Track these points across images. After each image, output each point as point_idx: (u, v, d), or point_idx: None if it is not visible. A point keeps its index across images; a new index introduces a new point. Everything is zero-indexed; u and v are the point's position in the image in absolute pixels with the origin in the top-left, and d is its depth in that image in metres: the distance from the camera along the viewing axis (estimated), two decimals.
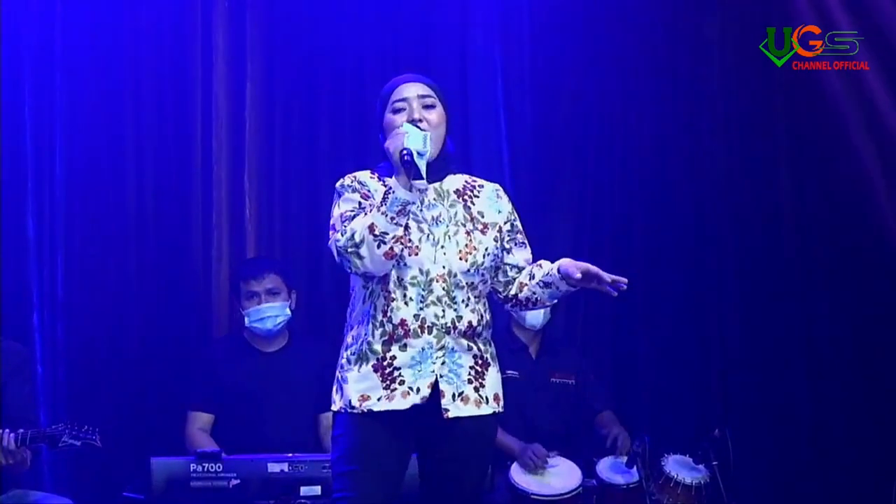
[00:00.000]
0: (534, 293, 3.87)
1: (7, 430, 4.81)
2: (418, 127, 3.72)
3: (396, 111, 3.82)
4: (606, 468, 5.52)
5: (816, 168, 6.41)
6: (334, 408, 3.79)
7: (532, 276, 3.87)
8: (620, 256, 6.49)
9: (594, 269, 3.77)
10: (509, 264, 3.90)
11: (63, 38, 5.89)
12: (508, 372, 5.74)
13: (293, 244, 6.19)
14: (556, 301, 3.95)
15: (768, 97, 6.46)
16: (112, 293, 5.92)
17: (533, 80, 6.52)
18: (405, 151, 3.61)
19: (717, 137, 6.50)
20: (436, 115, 3.81)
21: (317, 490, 4.76)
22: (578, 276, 3.74)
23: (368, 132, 6.12)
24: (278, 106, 6.23)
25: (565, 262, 3.81)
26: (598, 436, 5.83)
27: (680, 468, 5.44)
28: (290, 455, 4.95)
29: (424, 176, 3.63)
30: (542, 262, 3.92)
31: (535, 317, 5.77)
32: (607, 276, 3.78)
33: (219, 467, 4.91)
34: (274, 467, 4.92)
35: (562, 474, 5.46)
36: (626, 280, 3.79)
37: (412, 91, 3.82)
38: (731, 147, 6.51)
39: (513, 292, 3.90)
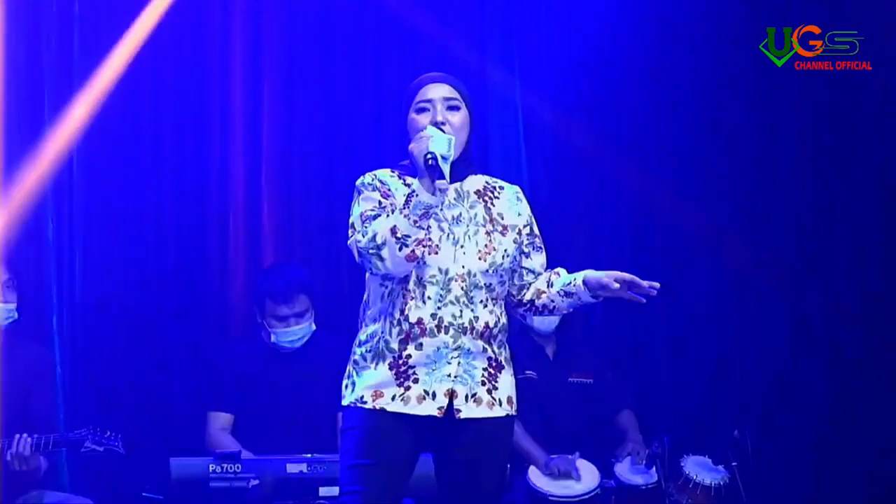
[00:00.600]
0: (552, 301, 3.86)
1: (24, 436, 4.82)
2: (441, 130, 3.71)
3: (420, 111, 3.79)
4: (625, 469, 5.51)
5: (843, 167, 6.40)
6: (345, 402, 3.77)
7: (550, 284, 3.86)
8: (638, 257, 6.48)
9: (629, 276, 3.77)
10: (526, 268, 3.88)
11: (81, 40, 5.91)
12: (527, 372, 5.76)
13: (310, 245, 6.19)
14: (571, 310, 3.93)
15: (782, 98, 6.46)
16: (131, 295, 5.94)
17: (551, 82, 6.52)
18: (429, 155, 3.59)
19: (734, 137, 6.49)
20: (459, 118, 3.79)
21: (335, 491, 4.71)
22: (616, 286, 3.74)
23: (386, 135, 6.17)
24: (296, 109, 6.23)
25: (592, 274, 3.80)
26: (616, 437, 5.82)
27: (699, 469, 5.43)
28: (309, 455, 4.95)
29: (448, 178, 3.62)
30: (559, 269, 3.90)
31: (543, 322, 5.77)
32: (644, 283, 3.77)
33: (238, 468, 4.91)
34: (293, 468, 4.92)
35: (580, 475, 5.45)
36: (658, 284, 3.78)
37: (437, 92, 3.79)
38: (750, 146, 6.50)
39: (528, 297, 3.88)
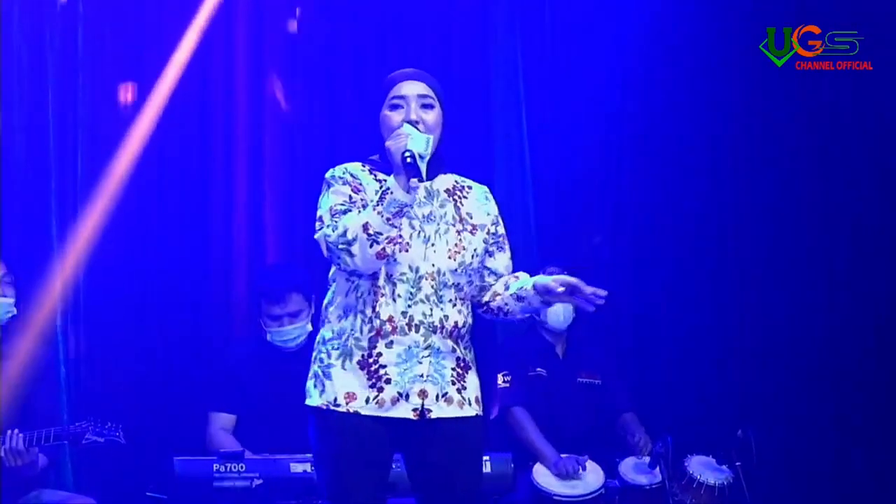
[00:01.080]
0: (506, 304, 3.83)
1: (15, 431, 4.82)
2: (416, 128, 3.67)
3: (394, 108, 3.75)
4: (629, 468, 5.51)
5: (845, 169, 6.40)
6: (313, 402, 3.71)
7: (506, 287, 3.84)
8: (641, 257, 6.50)
9: (574, 280, 3.72)
10: (488, 268, 3.85)
11: (85, 40, 5.91)
12: (538, 370, 5.76)
13: (314, 245, 6.18)
14: (528, 315, 3.89)
15: (786, 98, 6.46)
16: (134, 295, 5.95)
17: (554, 80, 6.53)
18: (408, 153, 3.57)
19: (738, 138, 6.49)
20: (433, 116, 3.75)
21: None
22: (561, 289, 3.70)
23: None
24: (299, 109, 6.24)
25: (541, 279, 3.77)
26: (620, 438, 5.82)
27: (703, 469, 5.42)
28: (312, 455, 4.94)
29: (425, 178, 3.59)
30: (519, 273, 3.88)
31: (556, 319, 5.77)
32: (587, 289, 3.72)
33: (241, 467, 4.92)
34: (296, 467, 4.93)
35: (585, 475, 5.44)
36: (604, 292, 3.72)
37: (412, 90, 3.76)
38: (752, 147, 6.49)
39: (486, 299, 3.86)
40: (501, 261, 3.88)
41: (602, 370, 5.92)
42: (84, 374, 5.85)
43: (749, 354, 6.43)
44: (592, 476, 5.44)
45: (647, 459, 5.46)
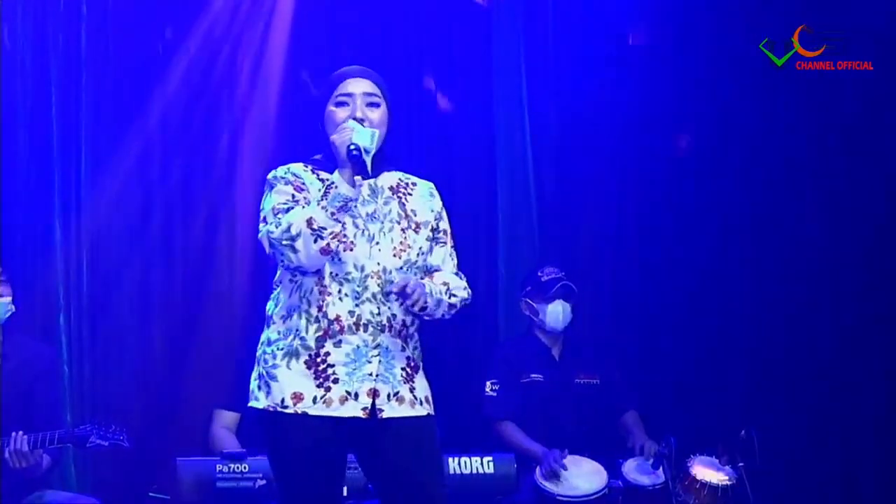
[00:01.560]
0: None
1: (20, 433, 4.82)
2: (361, 125, 3.65)
3: (339, 105, 3.74)
4: (632, 469, 5.50)
5: (850, 169, 6.40)
6: (258, 405, 3.68)
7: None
8: (645, 257, 6.50)
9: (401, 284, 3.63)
10: (429, 264, 3.83)
11: (88, 40, 5.92)
12: (532, 375, 5.75)
13: None
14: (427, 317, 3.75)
15: (789, 98, 6.46)
16: (137, 294, 5.95)
17: (557, 82, 6.53)
18: (353, 147, 3.56)
19: (742, 138, 6.49)
20: (378, 114, 3.74)
21: (343, 490, 4.73)
22: (395, 290, 3.62)
23: (397, 135, 6.17)
24: (303, 111, 6.24)
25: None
26: (623, 437, 5.81)
27: (706, 469, 5.40)
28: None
29: (370, 172, 3.58)
30: (435, 273, 3.82)
31: (555, 320, 5.77)
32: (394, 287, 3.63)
33: (244, 468, 4.91)
34: None
35: (588, 475, 5.43)
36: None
37: (358, 87, 3.75)
38: (756, 148, 6.49)
39: None
40: (437, 255, 3.84)
41: (601, 370, 5.91)
42: (87, 373, 5.84)
43: (753, 354, 6.42)
44: (595, 476, 5.44)
45: (650, 460, 5.45)
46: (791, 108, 6.46)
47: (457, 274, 3.88)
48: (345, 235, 3.61)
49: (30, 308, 5.61)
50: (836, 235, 6.39)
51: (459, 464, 5.14)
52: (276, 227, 3.56)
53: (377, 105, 3.75)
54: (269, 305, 3.75)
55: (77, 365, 5.81)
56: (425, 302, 3.62)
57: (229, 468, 4.90)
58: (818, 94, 6.36)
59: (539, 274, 5.81)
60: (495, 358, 5.86)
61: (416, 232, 3.76)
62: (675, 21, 6.56)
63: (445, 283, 3.77)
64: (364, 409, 3.62)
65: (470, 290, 3.85)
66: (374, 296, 3.65)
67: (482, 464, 5.16)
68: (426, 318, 3.74)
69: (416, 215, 3.79)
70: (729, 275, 6.49)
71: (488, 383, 5.73)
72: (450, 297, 3.76)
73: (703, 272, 6.49)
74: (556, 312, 5.75)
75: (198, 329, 6.00)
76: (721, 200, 6.52)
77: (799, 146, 6.45)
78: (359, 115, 3.69)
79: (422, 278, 3.76)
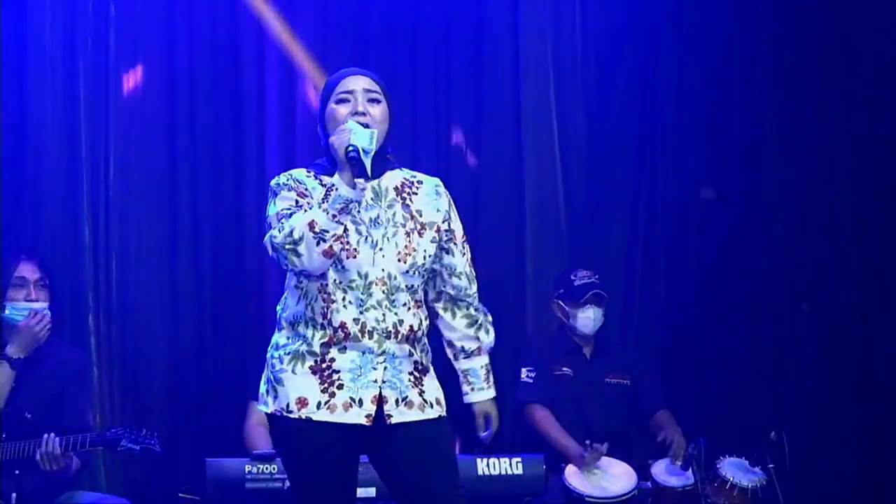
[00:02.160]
0: (452, 356, 3.93)
1: (52, 435, 4.84)
2: (362, 124, 3.64)
3: (340, 102, 3.72)
4: (661, 470, 5.49)
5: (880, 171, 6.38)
6: (267, 409, 3.69)
7: (460, 350, 3.92)
8: (674, 256, 6.49)
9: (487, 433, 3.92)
10: (446, 265, 3.82)
11: (117, 43, 5.93)
12: (564, 369, 5.74)
13: None
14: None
15: (822, 92, 6.44)
16: (167, 295, 5.96)
17: (585, 78, 6.52)
18: (351, 148, 3.53)
19: (772, 134, 6.47)
20: (380, 111, 3.72)
21: (371, 492, 4.74)
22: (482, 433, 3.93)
23: (419, 133, 6.18)
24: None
25: (480, 406, 3.94)
26: (654, 437, 5.79)
27: (736, 471, 5.39)
28: None
29: (369, 174, 3.56)
30: (470, 346, 3.92)
31: (586, 325, 5.76)
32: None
33: (273, 469, 4.92)
34: None
35: (617, 476, 5.43)
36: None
37: (358, 84, 3.73)
38: (787, 146, 6.47)
39: (440, 313, 3.88)
40: (454, 258, 3.84)
41: (631, 371, 5.90)
42: (116, 374, 5.86)
43: (782, 355, 6.40)
44: (625, 477, 5.43)
45: (679, 462, 5.43)
46: (821, 101, 6.45)
47: (469, 274, 3.87)
48: (348, 242, 3.60)
49: (59, 310, 5.62)
50: (866, 235, 6.37)
51: (488, 465, 5.13)
52: (279, 232, 3.55)
53: (378, 101, 3.73)
54: (279, 308, 3.78)
55: (106, 366, 5.82)
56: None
57: (258, 469, 4.91)
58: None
59: (572, 277, 5.79)
60: (531, 347, 5.90)
61: (421, 235, 3.73)
62: (705, 20, 6.54)
63: (487, 369, 3.95)
64: (368, 416, 3.61)
65: (489, 317, 3.95)
66: (378, 303, 3.63)
67: (511, 465, 5.15)
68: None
69: (421, 216, 3.76)
70: (760, 275, 6.47)
71: (524, 370, 5.74)
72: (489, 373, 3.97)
73: (733, 272, 6.47)
74: (588, 318, 5.75)
75: (227, 329, 6.00)
76: (752, 200, 6.50)
77: (832, 144, 6.43)
78: (360, 109, 3.68)
79: (427, 279, 3.77)
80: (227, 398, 5.83)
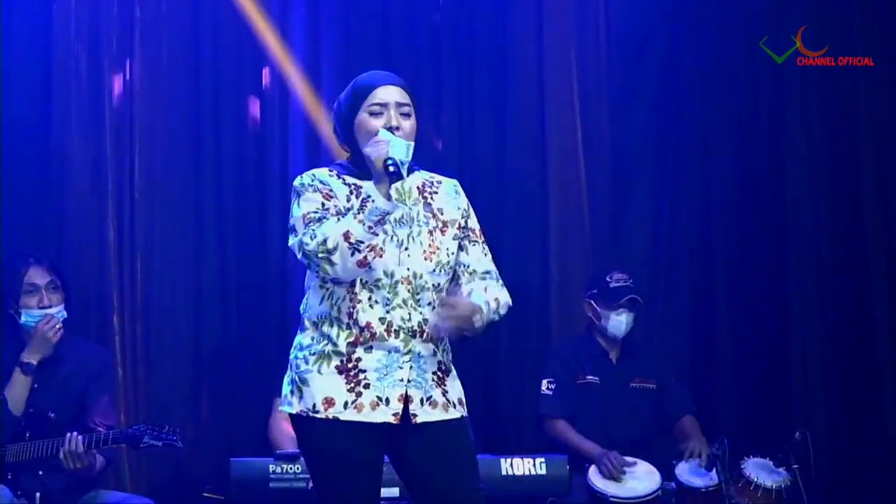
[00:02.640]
0: None
1: (75, 434, 4.86)
2: (394, 134, 3.63)
3: (373, 114, 3.70)
4: (685, 471, 5.47)
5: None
6: (292, 410, 3.68)
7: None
8: (698, 258, 6.47)
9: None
10: (462, 263, 3.80)
11: (141, 44, 5.95)
12: (588, 377, 5.73)
13: None
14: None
15: (851, 93, 6.42)
16: (191, 294, 5.97)
17: (609, 80, 6.51)
18: (390, 161, 3.54)
19: (799, 135, 6.45)
20: (410, 125, 3.72)
21: (395, 492, 4.74)
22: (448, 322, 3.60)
23: (441, 142, 6.18)
24: None
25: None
26: (678, 443, 5.78)
27: (760, 471, 5.37)
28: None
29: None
30: (485, 287, 3.76)
31: (618, 329, 5.75)
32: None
33: (297, 469, 4.94)
34: None
35: (641, 477, 5.42)
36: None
37: (392, 96, 3.71)
38: (812, 148, 6.45)
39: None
40: (472, 254, 3.82)
41: (657, 374, 5.89)
42: (141, 374, 5.87)
43: (808, 356, 6.37)
44: (648, 477, 5.42)
45: (703, 462, 5.42)
46: (850, 102, 6.43)
47: (492, 274, 3.85)
48: (375, 250, 3.59)
49: (84, 310, 5.65)
50: (894, 236, 6.35)
51: (512, 465, 5.13)
52: (311, 240, 3.54)
53: (409, 115, 3.73)
54: (301, 308, 3.77)
55: (131, 366, 5.84)
56: (479, 327, 3.62)
57: (283, 469, 4.93)
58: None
59: (608, 279, 5.77)
60: (552, 357, 5.86)
61: (443, 233, 3.74)
62: (729, 22, 6.53)
63: (496, 300, 3.75)
64: (395, 414, 3.61)
65: (509, 297, 3.81)
66: (404, 301, 3.64)
67: (535, 465, 5.15)
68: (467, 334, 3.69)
69: (442, 214, 3.78)
70: (784, 276, 6.45)
71: (544, 381, 5.73)
72: (497, 315, 3.76)
73: (758, 273, 6.46)
74: (620, 322, 5.73)
75: (251, 328, 6.01)
76: (776, 200, 6.48)
77: (860, 146, 6.41)
78: (394, 124, 3.66)
79: (456, 281, 3.76)
80: (251, 397, 5.84)
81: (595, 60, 6.49)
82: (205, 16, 6.08)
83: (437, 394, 3.68)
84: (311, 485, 4.68)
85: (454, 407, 3.72)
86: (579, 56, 6.45)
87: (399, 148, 3.57)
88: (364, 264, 3.54)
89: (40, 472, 4.96)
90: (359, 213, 3.53)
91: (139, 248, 5.92)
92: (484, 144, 6.38)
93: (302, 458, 4.89)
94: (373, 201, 3.53)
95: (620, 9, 6.54)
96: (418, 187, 3.79)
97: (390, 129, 3.65)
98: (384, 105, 3.70)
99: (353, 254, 3.51)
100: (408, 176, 3.63)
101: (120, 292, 5.87)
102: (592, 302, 5.81)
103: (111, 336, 5.80)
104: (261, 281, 6.04)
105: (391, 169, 3.53)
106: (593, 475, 5.44)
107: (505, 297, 3.81)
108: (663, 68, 6.55)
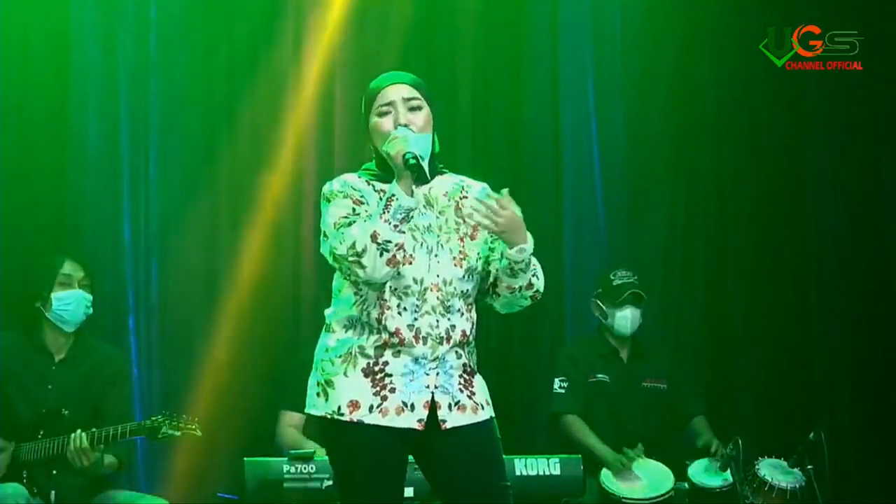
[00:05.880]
0: (501, 280, 3.68)
1: (78, 431, 4.87)
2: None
3: (382, 115, 3.68)
4: (699, 471, 5.47)
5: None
6: (316, 412, 3.66)
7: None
8: (714, 258, 6.46)
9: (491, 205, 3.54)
10: (494, 261, 3.74)
11: (158, 41, 5.97)
12: (598, 376, 5.74)
13: None
14: (513, 274, 3.63)
15: (867, 88, 6.41)
16: (206, 296, 5.98)
17: (625, 83, 6.51)
18: (409, 155, 3.52)
19: (817, 133, 6.44)
20: (422, 118, 3.68)
21: (410, 491, 4.73)
22: (496, 226, 3.55)
23: (455, 142, 6.18)
24: None
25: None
26: (691, 440, 5.78)
27: (774, 471, 5.37)
28: None
29: (429, 178, 3.55)
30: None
31: (624, 325, 5.76)
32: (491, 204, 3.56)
33: (311, 468, 4.93)
34: None
35: (654, 477, 5.42)
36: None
37: (397, 94, 3.68)
38: (831, 149, 6.45)
39: (488, 286, 3.71)
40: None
41: (668, 374, 5.88)
42: (156, 375, 5.89)
43: (823, 356, 6.37)
44: (661, 478, 5.42)
45: (717, 462, 5.42)
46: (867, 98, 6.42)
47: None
48: (403, 250, 3.57)
49: (99, 310, 5.66)
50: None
51: (525, 465, 5.12)
52: (341, 244, 3.53)
53: (419, 108, 3.69)
54: (328, 312, 3.74)
55: (146, 366, 5.86)
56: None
57: (297, 469, 4.92)
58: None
59: (611, 277, 5.79)
60: (563, 357, 5.87)
61: (473, 238, 3.72)
62: (744, 21, 6.52)
63: (536, 265, 3.70)
64: (420, 420, 3.60)
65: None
66: (433, 308, 3.61)
67: (548, 465, 5.14)
68: (508, 279, 3.63)
69: (472, 218, 3.71)
70: (798, 276, 6.44)
71: (556, 380, 5.75)
72: (534, 277, 3.69)
73: (772, 274, 6.45)
74: (626, 318, 5.74)
75: (266, 329, 6.02)
76: (794, 201, 6.47)
77: (880, 143, 6.40)
78: (402, 121, 3.64)
79: (482, 282, 3.71)
80: (266, 398, 5.84)
81: (610, 59, 6.50)
82: (220, 14, 6.09)
83: (463, 398, 3.66)
84: (325, 484, 4.76)
85: (482, 408, 3.70)
86: (595, 54, 6.48)
87: (416, 142, 3.56)
88: (395, 263, 3.53)
89: (54, 472, 4.97)
90: (384, 212, 3.51)
91: (155, 249, 5.93)
92: (497, 142, 6.38)
93: (316, 458, 4.90)
94: (396, 199, 3.52)
95: (636, 6, 6.54)
96: (446, 192, 3.76)
97: (400, 127, 3.63)
98: (390, 104, 3.68)
99: (381, 254, 3.49)
100: (431, 173, 3.59)
101: (135, 292, 5.89)
102: (598, 301, 5.82)
103: (126, 336, 5.82)
104: (275, 280, 6.04)
105: (411, 162, 3.51)
106: (606, 476, 5.44)
107: (541, 280, 3.74)
108: (679, 66, 6.55)
